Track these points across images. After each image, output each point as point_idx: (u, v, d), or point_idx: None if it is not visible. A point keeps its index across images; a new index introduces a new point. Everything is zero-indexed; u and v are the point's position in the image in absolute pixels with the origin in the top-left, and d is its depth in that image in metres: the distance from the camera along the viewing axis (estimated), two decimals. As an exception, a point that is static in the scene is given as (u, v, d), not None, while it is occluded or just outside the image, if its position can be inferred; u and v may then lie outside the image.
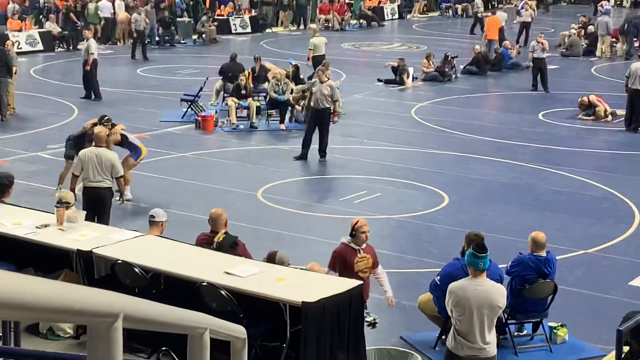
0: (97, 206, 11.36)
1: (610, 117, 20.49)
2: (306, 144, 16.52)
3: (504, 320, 8.94)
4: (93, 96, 21.61)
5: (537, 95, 23.84)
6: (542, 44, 23.93)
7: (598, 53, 31.08)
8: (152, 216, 9.66)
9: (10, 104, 19.76)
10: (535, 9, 32.62)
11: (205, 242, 9.19)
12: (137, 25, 28.37)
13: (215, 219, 9.25)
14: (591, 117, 20.55)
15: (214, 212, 9.35)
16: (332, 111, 16.89)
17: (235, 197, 14.13)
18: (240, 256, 8.87)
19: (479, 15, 35.82)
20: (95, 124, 13.58)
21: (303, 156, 16.52)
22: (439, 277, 8.45)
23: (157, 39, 31.77)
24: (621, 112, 20.80)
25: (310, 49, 24.30)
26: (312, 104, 16.84)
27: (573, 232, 12.87)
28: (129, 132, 14.47)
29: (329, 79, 16.84)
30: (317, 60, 22.45)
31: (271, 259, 8.82)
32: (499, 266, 8.80)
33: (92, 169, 11.46)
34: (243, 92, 19.50)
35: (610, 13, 33.34)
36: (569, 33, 32.23)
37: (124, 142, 13.77)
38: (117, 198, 12.68)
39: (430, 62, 25.80)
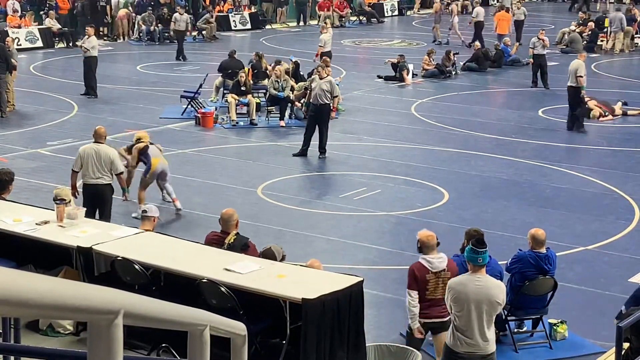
0: (97, 203, 11.36)
1: (610, 117, 20.45)
2: (306, 141, 16.51)
3: (503, 317, 8.94)
4: (91, 93, 21.53)
5: (537, 91, 23.84)
6: (542, 40, 23.90)
7: (612, 48, 31.20)
8: (145, 211, 9.70)
9: (10, 100, 19.76)
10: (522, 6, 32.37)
11: (215, 242, 9.09)
12: (177, 26, 28.16)
13: (227, 219, 9.15)
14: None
15: (225, 213, 9.24)
16: (331, 107, 16.91)
17: (235, 193, 14.13)
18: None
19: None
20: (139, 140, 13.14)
21: (303, 153, 16.51)
22: (439, 274, 8.44)
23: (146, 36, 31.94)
24: (633, 112, 20.85)
25: (321, 46, 24.15)
26: (311, 100, 16.86)
27: (573, 229, 12.87)
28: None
29: (328, 75, 16.83)
30: (327, 56, 22.50)
31: (266, 255, 8.79)
32: (499, 263, 8.80)
33: (91, 166, 11.39)
34: (243, 88, 19.49)
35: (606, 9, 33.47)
36: (568, 30, 32.22)
37: (144, 151, 13.00)
38: (122, 196, 12.50)
39: (431, 59, 25.80)
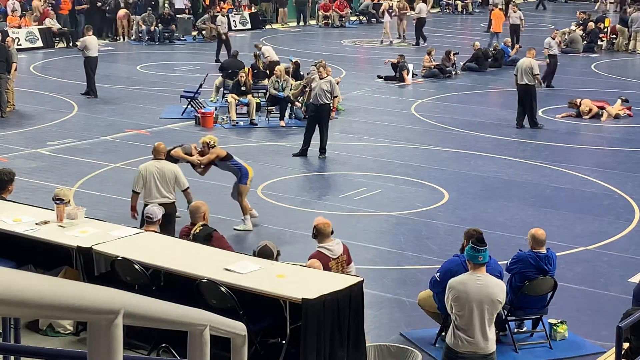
0: (163, 224, 10.73)
1: (606, 117, 20.45)
2: (306, 141, 16.51)
3: (503, 317, 8.94)
4: (91, 94, 21.53)
5: (537, 91, 23.78)
6: (558, 40, 23.95)
7: (631, 47, 31.27)
8: (149, 216, 9.65)
9: (10, 100, 19.76)
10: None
11: (184, 234, 9.51)
12: (221, 28, 28.00)
13: (194, 211, 9.55)
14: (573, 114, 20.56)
15: (192, 205, 9.74)
16: (331, 107, 16.91)
17: (235, 193, 14.11)
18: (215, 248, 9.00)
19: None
20: (206, 145, 12.44)
21: (303, 153, 16.51)
22: (438, 274, 8.45)
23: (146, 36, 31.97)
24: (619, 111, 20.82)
25: (267, 57, 23.47)
26: (311, 100, 16.85)
27: (573, 229, 12.87)
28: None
29: (328, 75, 16.84)
30: (273, 66, 22.19)
31: (263, 252, 8.82)
32: (499, 263, 8.80)
33: (155, 185, 10.85)
34: (243, 88, 19.50)
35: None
36: (568, 30, 32.24)
37: (227, 159, 12.40)
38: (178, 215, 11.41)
39: (432, 58, 25.82)
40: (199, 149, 12.56)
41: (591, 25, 32.09)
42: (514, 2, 34.02)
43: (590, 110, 20.37)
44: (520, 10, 31.76)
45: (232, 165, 12.36)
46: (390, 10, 33.92)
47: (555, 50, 23.98)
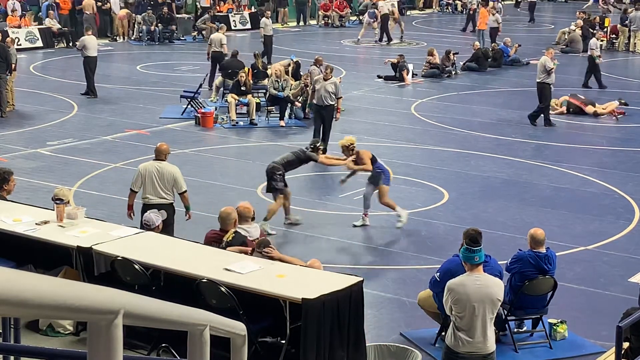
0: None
1: (607, 114, 20.54)
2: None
3: (503, 317, 8.95)
4: (90, 94, 21.54)
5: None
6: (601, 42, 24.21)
7: (631, 48, 31.29)
8: (147, 223, 9.60)
9: (9, 100, 19.76)
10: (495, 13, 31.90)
11: (214, 240, 9.31)
12: (267, 31, 27.85)
13: (225, 217, 9.42)
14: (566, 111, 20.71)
15: (224, 211, 9.52)
16: (335, 108, 16.90)
17: (235, 193, 14.11)
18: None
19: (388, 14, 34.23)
20: (316, 145, 12.96)
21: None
22: (438, 274, 8.45)
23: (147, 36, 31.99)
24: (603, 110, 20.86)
25: (210, 45, 23.71)
26: (315, 101, 16.83)
27: (573, 229, 12.87)
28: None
29: (332, 76, 16.84)
30: (216, 56, 22.40)
31: (259, 243, 8.87)
32: (499, 263, 8.80)
33: (152, 185, 10.67)
34: (243, 88, 19.50)
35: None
36: (568, 29, 32.23)
37: (373, 161, 12.59)
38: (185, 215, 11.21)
39: (434, 57, 25.83)
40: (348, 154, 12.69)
41: (579, 23, 32.01)
42: (493, 6, 33.95)
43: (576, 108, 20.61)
44: (498, 13, 31.74)
45: (376, 168, 12.57)
46: (371, 11, 34.04)
47: (598, 51, 24.18)
